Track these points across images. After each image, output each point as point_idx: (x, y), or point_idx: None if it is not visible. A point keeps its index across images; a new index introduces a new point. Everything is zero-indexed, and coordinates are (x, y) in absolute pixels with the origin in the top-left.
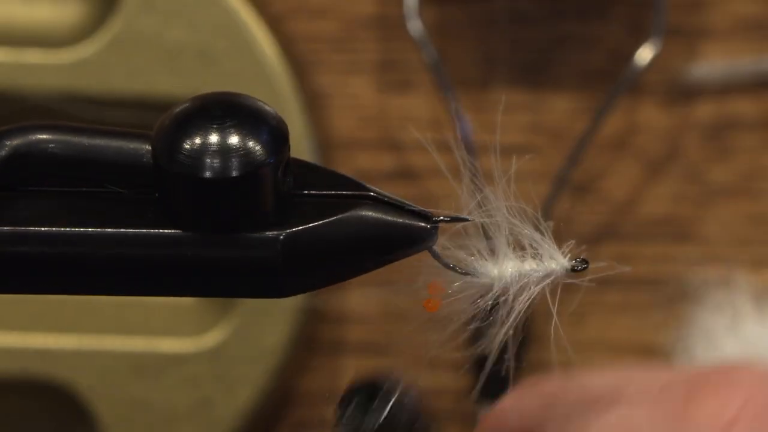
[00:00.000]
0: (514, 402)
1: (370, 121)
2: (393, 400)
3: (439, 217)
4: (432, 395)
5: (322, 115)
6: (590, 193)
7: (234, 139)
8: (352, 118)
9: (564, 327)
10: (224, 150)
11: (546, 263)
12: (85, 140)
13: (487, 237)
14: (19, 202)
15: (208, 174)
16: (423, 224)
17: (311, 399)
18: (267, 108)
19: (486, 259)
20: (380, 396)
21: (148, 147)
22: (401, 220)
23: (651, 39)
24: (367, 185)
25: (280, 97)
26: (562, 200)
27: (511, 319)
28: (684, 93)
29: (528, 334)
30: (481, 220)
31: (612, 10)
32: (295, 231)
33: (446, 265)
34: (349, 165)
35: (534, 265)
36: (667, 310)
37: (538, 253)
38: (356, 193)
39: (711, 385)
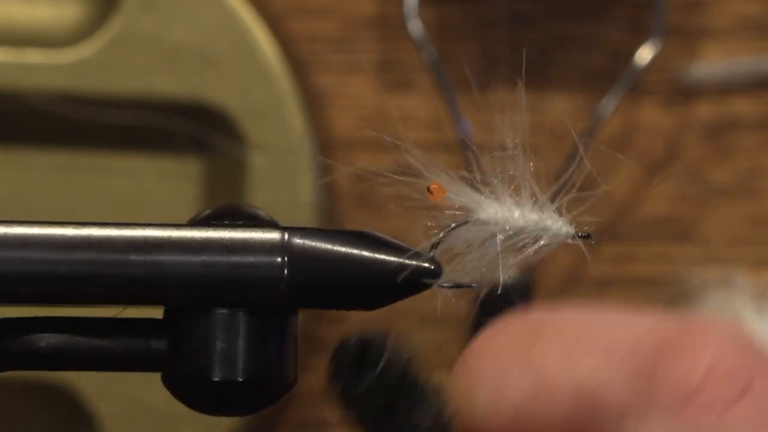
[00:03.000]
0: (489, 343)
1: (370, 121)
2: (385, 355)
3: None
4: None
5: (322, 115)
6: (590, 193)
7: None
8: (352, 118)
9: None
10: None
11: (549, 221)
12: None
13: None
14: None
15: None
16: (428, 283)
17: (311, 399)
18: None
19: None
20: (373, 351)
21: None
22: (403, 288)
23: (651, 39)
24: (369, 234)
25: (280, 97)
26: (561, 200)
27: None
28: (684, 93)
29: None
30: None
31: (612, 10)
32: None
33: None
34: (348, 165)
35: (537, 218)
36: (667, 310)
37: (541, 211)
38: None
39: (679, 347)
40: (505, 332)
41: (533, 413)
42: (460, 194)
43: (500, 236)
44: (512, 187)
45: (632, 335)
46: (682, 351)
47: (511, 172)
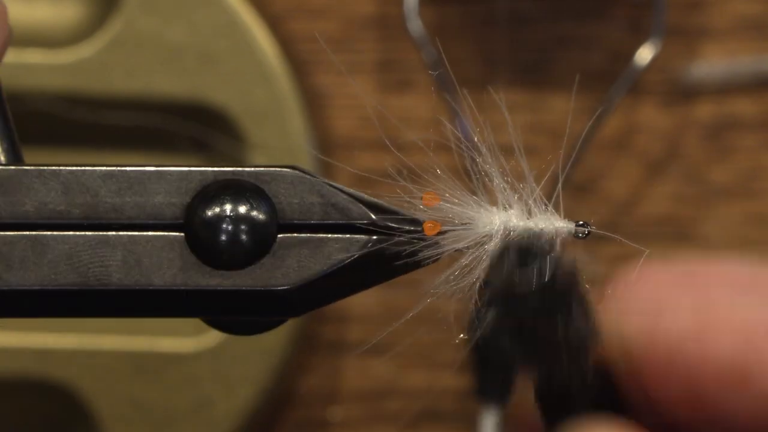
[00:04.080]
0: (649, 274)
1: (370, 121)
2: (547, 261)
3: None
4: (432, 395)
5: (322, 115)
6: (590, 193)
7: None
8: (352, 118)
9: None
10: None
11: (548, 220)
12: None
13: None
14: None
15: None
16: (425, 243)
17: (311, 399)
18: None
19: (486, 209)
20: (533, 255)
21: None
22: (404, 248)
23: (651, 39)
24: (371, 200)
25: (280, 97)
26: (561, 200)
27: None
28: (684, 93)
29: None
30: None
31: (612, 10)
32: (302, 283)
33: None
34: (349, 165)
35: (536, 221)
36: None
37: (540, 212)
38: (357, 223)
39: None
40: (665, 270)
41: (694, 351)
42: (458, 196)
43: (498, 235)
44: (511, 187)
45: None
46: None
47: (510, 172)
